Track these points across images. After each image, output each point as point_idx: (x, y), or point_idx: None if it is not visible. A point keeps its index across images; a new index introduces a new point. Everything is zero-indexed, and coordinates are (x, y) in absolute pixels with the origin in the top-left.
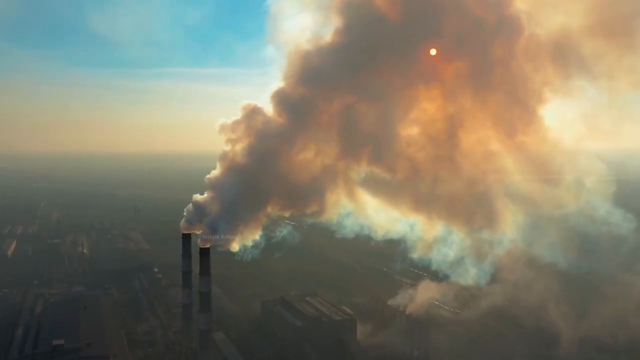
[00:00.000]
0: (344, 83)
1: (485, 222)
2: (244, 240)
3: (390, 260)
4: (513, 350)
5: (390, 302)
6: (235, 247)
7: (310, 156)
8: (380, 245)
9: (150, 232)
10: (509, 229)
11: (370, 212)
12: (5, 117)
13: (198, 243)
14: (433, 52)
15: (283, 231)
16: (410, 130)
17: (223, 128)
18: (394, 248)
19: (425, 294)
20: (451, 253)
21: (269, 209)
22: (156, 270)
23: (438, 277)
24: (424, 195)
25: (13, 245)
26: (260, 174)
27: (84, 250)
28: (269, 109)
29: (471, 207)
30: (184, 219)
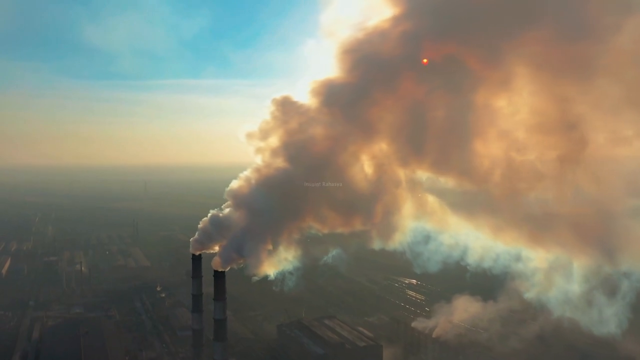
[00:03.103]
0: (411, 70)
1: (619, 253)
2: (278, 263)
3: (395, 273)
4: None
5: (414, 324)
6: (268, 270)
7: (366, 160)
8: (387, 257)
9: (150, 248)
10: None
11: (455, 232)
12: None
13: (214, 265)
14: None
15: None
16: (506, 126)
17: (250, 135)
18: (398, 259)
19: (450, 314)
20: (576, 289)
21: (308, 224)
22: (159, 289)
23: (455, 293)
24: (533, 214)
25: (7, 264)
26: (301, 182)
27: (82, 269)
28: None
29: (600, 231)
30: (196, 238)
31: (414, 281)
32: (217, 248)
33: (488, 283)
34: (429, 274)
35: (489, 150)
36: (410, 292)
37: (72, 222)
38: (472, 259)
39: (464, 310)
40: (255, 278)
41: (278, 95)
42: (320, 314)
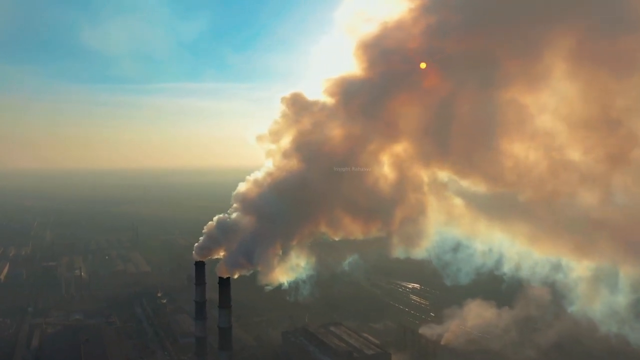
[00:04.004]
0: (436, 65)
1: None
2: (291, 270)
3: (397, 277)
4: None
5: (422, 330)
6: (281, 278)
7: (387, 161)
8: (389, 261)
9: (150, 253)
10: None
11: (487, 239)
12: None
13: (219, 272)
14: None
15: None
16: (543, 124)
17: (261, 138)
18: (399, 262)
19: (459, 320)
20: (622, 301)
21: (321, 230)
22: (159, 295)
23: (459, 298)
24: (575, 219)
25: (5, 269)
26: (317, 185)
27: (82, 274)
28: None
29: None
30: (201, 244)
31: (417, 285)
32: (221, 254)
33: (493, 288)
34: (432, 279)
35: (523, 150)
36: (414, 297)
37: (71, 227)
38: (507, 269)
39: (473, 316)
40: (269, 287)
41: (287, 94)
42: (324, 320)
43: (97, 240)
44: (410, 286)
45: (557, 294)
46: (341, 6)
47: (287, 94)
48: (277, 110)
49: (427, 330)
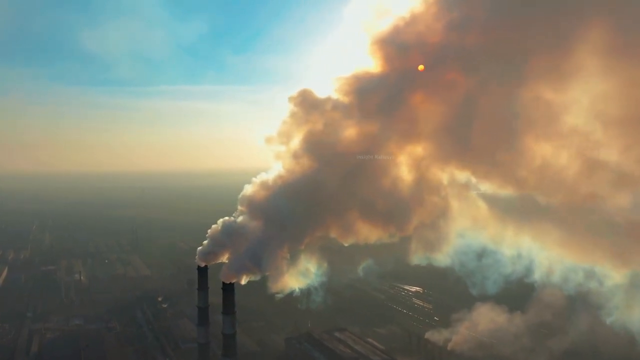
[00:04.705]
0: (458, 60)
1: None
2: (301, 276)
3: (398, 280)
4: None
5: (428, 335)
6: (292, 285)
7: (405, 160)
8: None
9: (150, 256)
10: None
11: (514, 245)
12: None
13: (223, 277)
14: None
15: None
16: (576, 121)
17: (270, 140)
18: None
19: (466, 325)
20: None
21: (331, 234)
22: (160, 299)
23: (461, 302)
24: (613, 224)
25: (4, 273)
26: (330, 187)
27: (81, 278)
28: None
29: None
30: (205, 249)
31: (420, 289)
32: (225, 259)
33: (499, 291)
34: (434, 282)
35: (552, 149)
36: (417, 301)
37: (70, 230)
38: (538, 276)
39: (480, 320)
40: (280, 295)
41: (295, 92)
42: (326, 324)
43: (96, 243)
44: (412, 289)
45: (573, 298)
46: (353, 1)
47: (295, 92)
48: (277, 111)
49: (434, 335)
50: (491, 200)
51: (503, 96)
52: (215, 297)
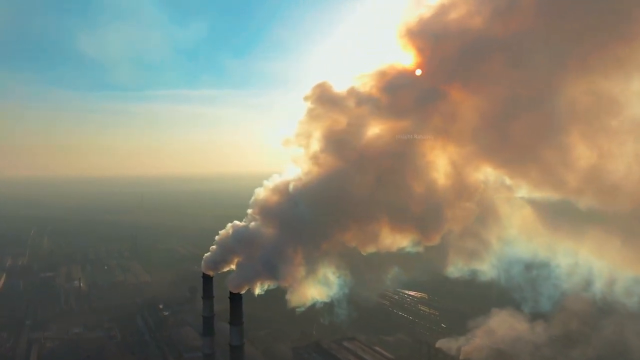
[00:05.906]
0: (502, 51)
1: None
2: (322, 287)
3: (403, 285)
4: None
5: (439, 344)
6: (314, 297)
7: (443, 160)
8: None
9: (149, 262)
10: None
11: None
12: None
13: (231, 286)
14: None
15: None
16: None
17: (287, 142)
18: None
19: (478, 332)
20: None
21: (351, 242)
22: (161, 307)
23: (468, 308)
24: None
25: (2, 280)
26: (357, 190)
27: (81, 285)
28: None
29: None
30: (212, 256)
31: (424, 295)
32: (232, 266)
33: (501, 296)
34: (439, 287)
35: (608, 149)
36: (423, 307)
37: (69, 236)
38: (598, 290)
39: (492, 327)
40: (300, 309)
41: (310, 89)
42: (332, 332)
43: (95, 249)
44: (418, 295)
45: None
46: None
47: (310, 90)
48: (277, 115)
49: (444, 344)
50: (538, 206)
51: (553, 88)
52: (219, 305)
